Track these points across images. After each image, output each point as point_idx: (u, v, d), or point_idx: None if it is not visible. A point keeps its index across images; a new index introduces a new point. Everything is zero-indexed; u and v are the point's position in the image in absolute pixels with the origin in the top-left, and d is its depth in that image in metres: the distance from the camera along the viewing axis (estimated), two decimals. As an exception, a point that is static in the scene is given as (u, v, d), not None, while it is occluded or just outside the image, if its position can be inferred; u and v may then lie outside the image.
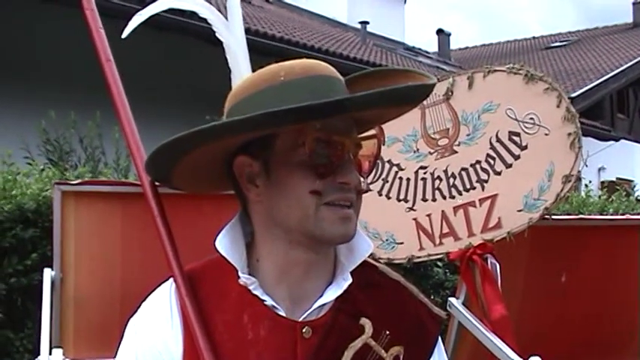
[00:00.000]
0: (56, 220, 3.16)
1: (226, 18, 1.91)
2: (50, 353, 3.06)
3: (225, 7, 1.92)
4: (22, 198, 4.68)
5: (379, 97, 1.56)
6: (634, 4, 30.72)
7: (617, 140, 22.43)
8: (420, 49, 27.38)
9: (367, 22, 23.14)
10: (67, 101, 7.85)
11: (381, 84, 1.68)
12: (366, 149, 1.67)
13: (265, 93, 1.60)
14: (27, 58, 10.07)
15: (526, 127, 3.42)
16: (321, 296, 1.68)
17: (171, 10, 1.98)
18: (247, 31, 1.94)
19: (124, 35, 2.01)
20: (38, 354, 3.17)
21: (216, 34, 1.89)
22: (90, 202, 3.21)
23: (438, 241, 3.49)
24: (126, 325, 1.75)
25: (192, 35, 10.24)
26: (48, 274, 3.20)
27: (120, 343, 1.75)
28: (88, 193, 3.22)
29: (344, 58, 14.18)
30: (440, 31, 28.19)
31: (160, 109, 10.08)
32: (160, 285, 1.76)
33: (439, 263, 6.53)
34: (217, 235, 1.69)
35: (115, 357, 1.73)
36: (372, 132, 1.70)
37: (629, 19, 30.97)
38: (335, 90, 1.61)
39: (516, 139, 3.42)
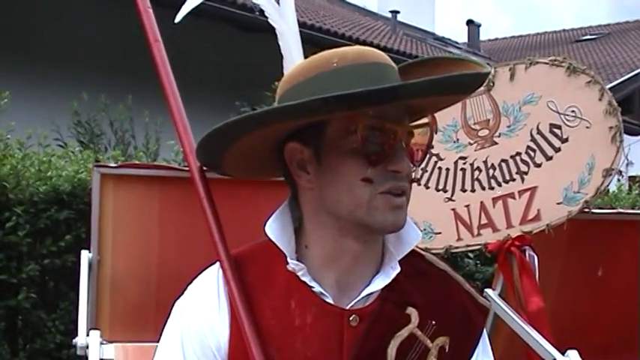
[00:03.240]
0: (94, 203, 3.18)
1: (278, 3, 1.90)
2: (87, 334, 3.08)
3: None
4: (57, 180, 4.70)
5: (433, 85, 1.55)
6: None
7: (646, 135, 22.24)
8: (449, 39, 27.24)
9: (397, 12, 23.04)
10: (98, 84, 7.89)
11: (435, 72, 1.65)
12: (418, 137, 1.64)
13: (318, 79, 1.58)
14: (59, 41, 10.11)
15: (567, 120, 3.40)
16: (368, 284, 1.66)
17: None
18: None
19: (177, 19, 2.00)
20: (71, 335, 3.19)
21: (269, 20, 1.87)
22: (128, 185, 3.23)
23: (476, 232, 3.48)
24: (167, 308, 1.74)
25: (228, 22, 10.28)
26: (85, 255, 3.22)
27: (159, 325, 1.74)
28: (127, 176, 3.23)
29: (374, 47, 14.09)
30: (470, 22, 28.01)
31: (198, 95, 10.10)
32: (202, 269, 1.75)
33: (470, 254, 6.50)
34: (267, 220, 1.68)
35: (151, 339, 1.72)
36: (424, 120, 1.68)
37: (663, 13, 30.61)
38: (388, 77, 1.59)
39: (557, 131, 3.41)
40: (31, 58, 9.79)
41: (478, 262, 6.71)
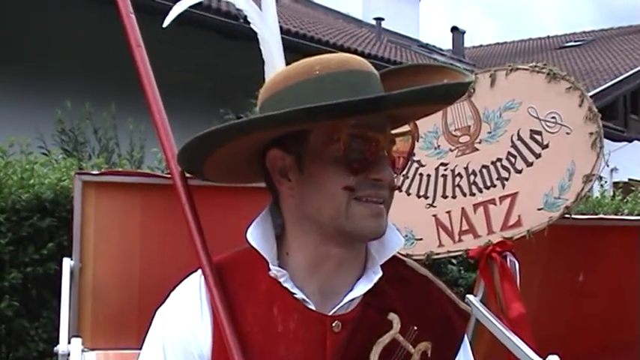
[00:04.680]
0: (76, 210, 3.17)
1: (260, 9, 1.90)
2: (69, 342, 3.08)
3: None
4: (39, 187, 4.70)
5: (416, 95, 1.55)
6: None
7: (630, 141, 22.34)
8: (434, 46, 27.31)
9: (382, 19, 23.09)
10: (82, 92, 7.88)
11: (417, 79, 1.67)
12: (400, 145, 1.65)
13: (300, 87, 1.58)
14: (43, 48, 10.08)
15: (548, 126, 3.42)
16: (351, 290, 1.67)
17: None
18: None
19: (165, 24, 2.00)
20: (54, 343, 3.18)
21: (252, 26, 1.88)
22: (110, 192, 3.22)
23: (457, 238, 3.49)
24: (149, 316, 1.74)
25: (211, 29, 10.28)
26: (67, 263, 3.21)
27: (141, 332, 1.74)
28: (109, 183, 3.23)
29: (358, 54, 14.04)
30: (454, 29, 28.11)
31: (181, 102, 10.11)
32: (184, 276, 1.75)
33: (453, 261, 6.52)
34: (248, 227, 1.68)
35: (133, 346, 1.73)
36: (406, 128, 1.68)
37: (645, 20, 30.81)
38: (370, 85, 1.59)
39: (538, 137, 3.42)
40: (14, 66, 9.75)
41: (461, 268, 6.73)
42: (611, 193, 9.26)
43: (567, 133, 3.38)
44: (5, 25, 9.78)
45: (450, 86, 1.61)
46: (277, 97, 1.61)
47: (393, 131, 1.64)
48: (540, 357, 3.14)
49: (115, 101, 7.11)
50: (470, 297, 3.50)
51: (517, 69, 3.51)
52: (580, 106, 3.37)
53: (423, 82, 1.63)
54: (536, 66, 3.47)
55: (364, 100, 1.49)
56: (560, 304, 3.74)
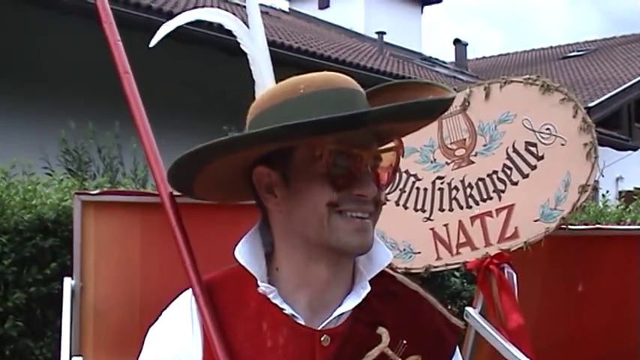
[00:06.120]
0: (76, 230, 3.19)
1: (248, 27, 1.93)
2: (70, 361, 3.09)
3: (247, 17, 1.94)
4: (42, 208, 4.72)
5: (396, 112, 1.58)
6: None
7: (635, 150, 22.31)
8: (436, 59, 27.34)
9: (384, 33, 23.14)
10: (86, 112, 7.92)
11: (402, 96, 1.70)
12: (385, 161, 1.68)
13: (285, 105, 1.62)
14: (47, 69, 10.14)
15: (542, 138, 3.43)
16: (340, 305, 1.69)
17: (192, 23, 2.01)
18: (265, 42, 1.98)
19: (151, 44, 2.04)
20: (57, 362, 3.19)
21: (241, 46, 1.91)
22: (110, 212, 3.24)
23: (455, 251, 3.50)
24: (146, 334, 1.77)
25: (212, 47, 10.30)
26: (68, 282, 3.22)
27: (139, 351, 1.77)
28: (108, 203, 3.24)
29: (361, 69, 14.20)
30: (457, 41, 28.14)
31: (179, 121, 10.15)
32: (180, 294, 1.78)
33: (456, 273, 6.53)
34: (236, 245, 1.71)
35: (134, 365, 1.75)
36: (391, 144, 1.71)
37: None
38: (355, 103, 1.62)
39: (533, 149, 3.44)
40: (17, 88, 9.81)
41: (464, 280, 6.73)
42: (617, 203, 9.26)
43: (562, 144, 3.39)
44: (7, 47, 9.83)
45: (429, 102, 1.64)
46: (263, 116, 1.65)
47: (380, 147, 1.67)
48: (539, 367, 3.16)
49: (119, 120, 7.15)
50: (469, 309, 3.51)
51: (511, 81, 3.53)
52: (574, 117, 3.39)
53: (408, 98, 1.66)
54: (529, 78, 3.49)
55: (344, 117, 1.52)
56: (560, 315, 3.74)
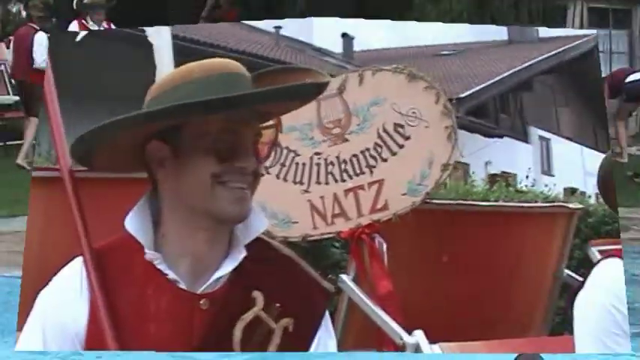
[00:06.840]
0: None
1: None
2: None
3: None
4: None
5: (268, 95, 1.64)
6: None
7: (501, 137, 22.91)
8: (326, 49, 27.52)
9: (280, 27, 23.18)
10: None
11: (288, 79, 1.73)
12: (265, 137, 1.72)
13: (179, 88, 1.64)
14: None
15: (409, 120, 3.50)
16: (217, 269, 1.69)
17: None
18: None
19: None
20: None
21: (148, 38, 1.94)
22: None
23: (330, 221, 3.54)
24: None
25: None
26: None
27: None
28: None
29: (259, 58, 14.19)
30: (344, 35, 28.38)
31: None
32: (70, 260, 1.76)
33: (336, 244, 6.54)
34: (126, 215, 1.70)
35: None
36: (270, 122, 1.75)
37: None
38: (239, 86, 1.65)
39: (401, 130, 3.51)
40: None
41: (344, 251, 6.76)
42: (488, 184, 9.45)
43: (426, 127, 3.47)
44: None
45: (298, 86, 1.70)
46: (159, 99, 1.66)
47: (261, 125, 1.71)
48: (406, 331, 3.20)
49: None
50: (343, 276, 3.54)
51: (381, 69, 3.60)
52: (436, 102, 3.48)
53: (293, 81, 1.71)
54: (397, 67, 3.57)
55: (227, 98, 1.58)
56: (428, 283, 3.80)
